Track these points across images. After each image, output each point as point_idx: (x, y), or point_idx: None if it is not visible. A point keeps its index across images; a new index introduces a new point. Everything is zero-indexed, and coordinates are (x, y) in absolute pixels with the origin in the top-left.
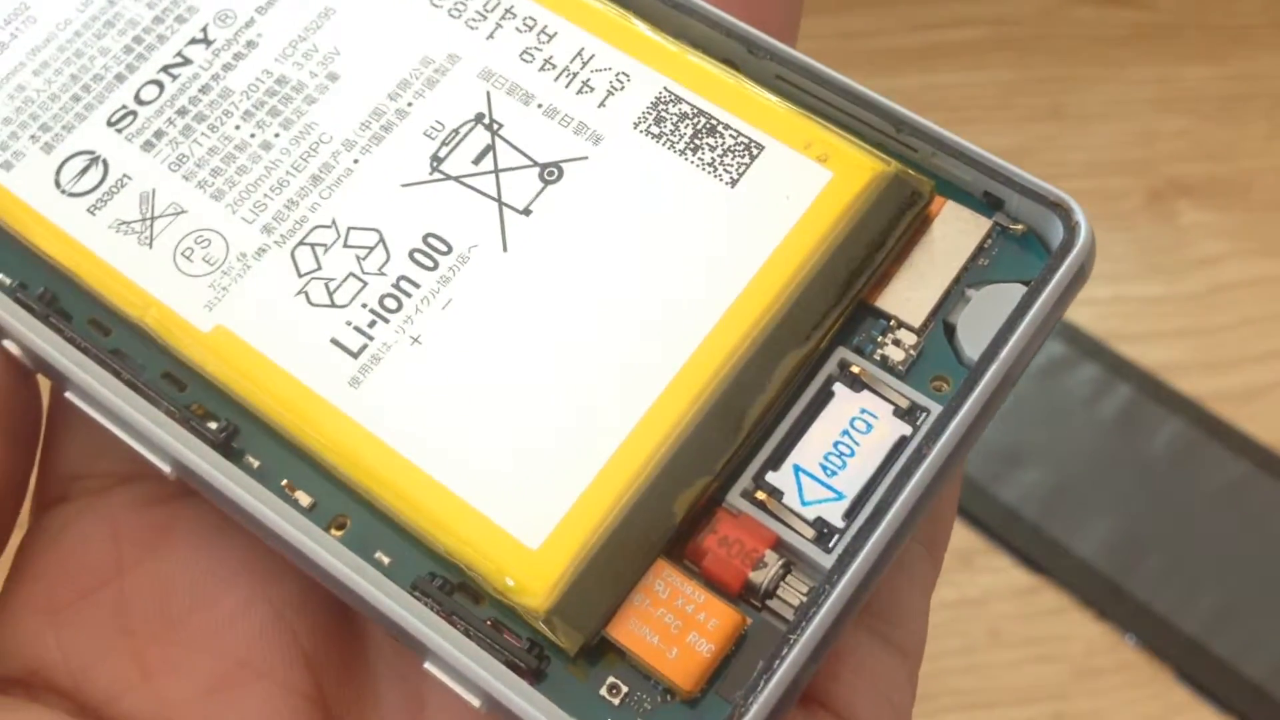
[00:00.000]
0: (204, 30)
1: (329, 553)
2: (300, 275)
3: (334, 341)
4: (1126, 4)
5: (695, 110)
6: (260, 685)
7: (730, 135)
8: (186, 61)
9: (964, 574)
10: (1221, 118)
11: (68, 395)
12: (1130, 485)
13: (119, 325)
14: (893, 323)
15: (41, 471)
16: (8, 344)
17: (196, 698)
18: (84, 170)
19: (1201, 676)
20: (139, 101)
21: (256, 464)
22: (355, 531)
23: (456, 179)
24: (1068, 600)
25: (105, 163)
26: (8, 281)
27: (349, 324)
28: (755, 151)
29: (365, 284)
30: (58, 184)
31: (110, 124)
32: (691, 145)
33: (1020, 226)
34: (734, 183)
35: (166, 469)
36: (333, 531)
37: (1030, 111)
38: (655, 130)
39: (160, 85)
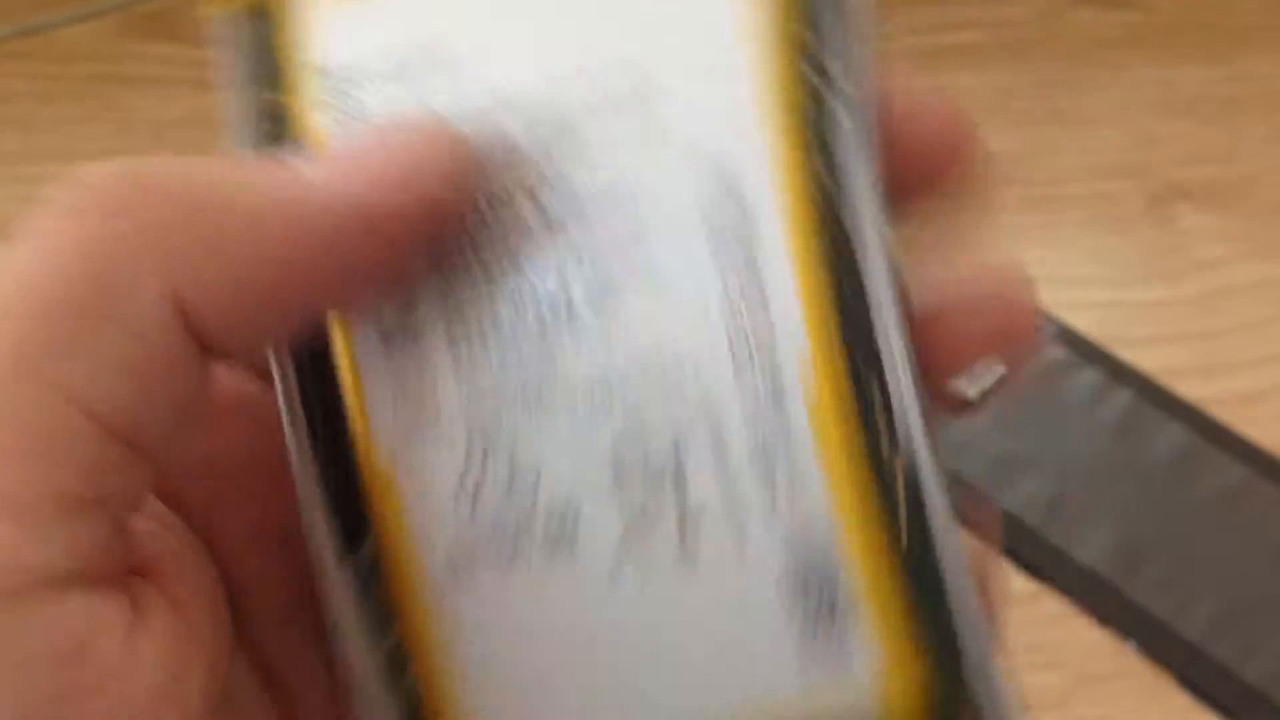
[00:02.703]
0: None
1: None
2: None
3: None
4: (1125, 6)
5: None
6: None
7: None
8: None
9: None
10: (1221, 120)
11: None
12: (1130, 491)
13: None
14: None
15: None
16: None
17: None
18: None
19: (1202, 681)
20: None
21: None
22: None
23: None
24: (1068, 607)
25: None
26: None
27: None
28: None
29: None
30: None
31: None
32: None
33: None
34: None
35: None
36: None
37: (1029, 115)
38: None
39: None
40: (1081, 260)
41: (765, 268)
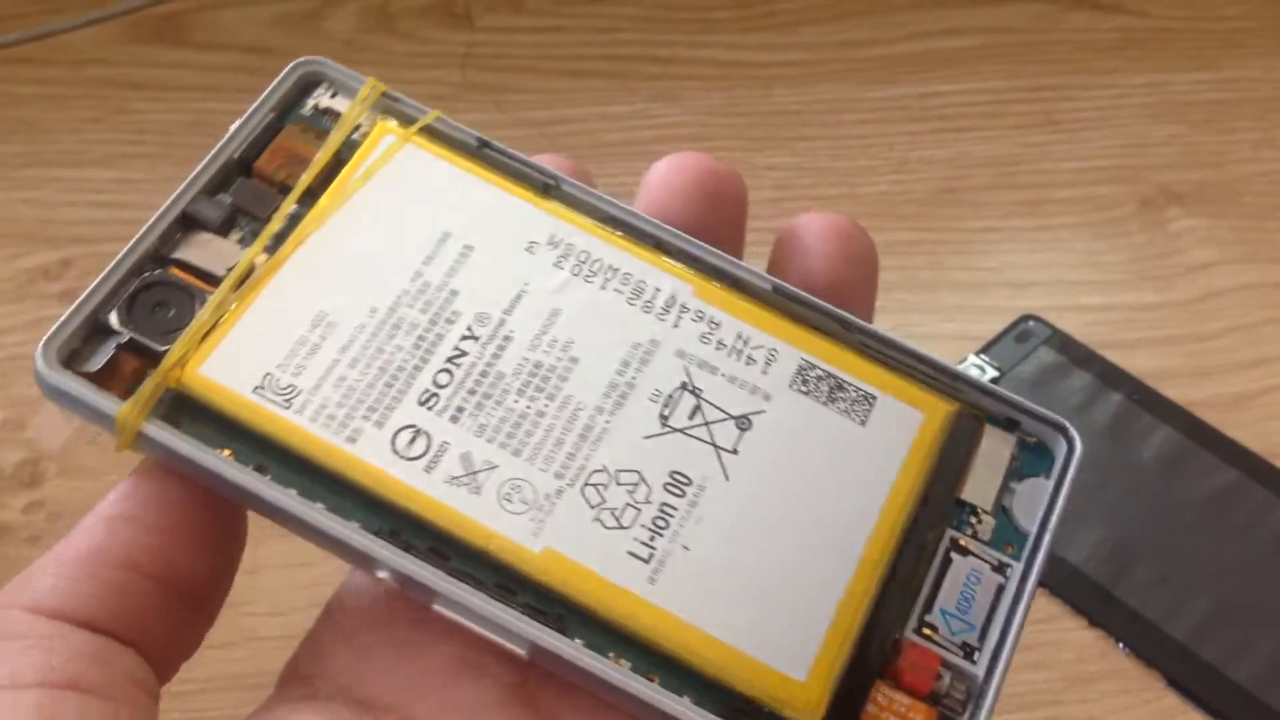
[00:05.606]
0: (469, 329)
1: (662, 696)
2: (592, 507)
3: (630, 553)
4: (1117, 11)
5: (827, 373)
6: (481, 677)
7: (853, 390)
8: (463, 354)
9: None
10: (1212, 124)
11: (436, 607)
12: (1121, 493)
13: (455, 552)
14: (978, 509)
15: None
16: (380, 573)
17: (433, 673)
18: (412, 440)
19: (1190, 682)
20: (437, 385)
21: (581, 643)
22: (664, 682)
23: (681, 431)
24: (1059, 608)
25: (427, 434)
26: (360, 526)
27: (636, 540)
28: (872, 400)
29: (640, 511)
30: (395, 450)
31: (421, 404)
32: (831, 398)
33: (1033, 439)
34: (864, 423)
35: (521, 651)
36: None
37: (1023, 119)
38: (804, 388)
39: (450, 372)
40: (1073, 264)
41: None
